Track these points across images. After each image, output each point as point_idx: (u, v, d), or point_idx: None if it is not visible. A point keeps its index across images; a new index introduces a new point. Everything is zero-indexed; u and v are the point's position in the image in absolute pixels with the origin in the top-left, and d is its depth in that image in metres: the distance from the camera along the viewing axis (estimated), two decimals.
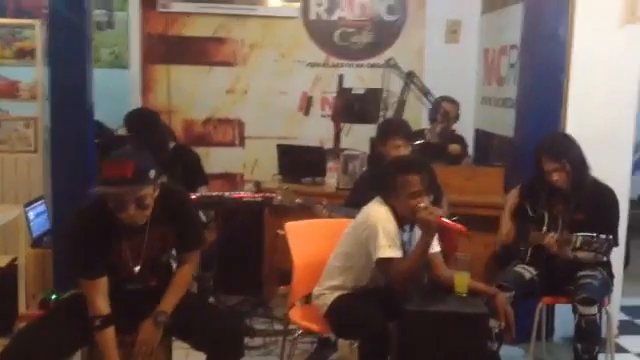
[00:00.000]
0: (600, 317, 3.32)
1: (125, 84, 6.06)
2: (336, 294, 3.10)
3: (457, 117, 5.22)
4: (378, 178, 3.70)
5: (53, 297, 3.36)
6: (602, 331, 3.40)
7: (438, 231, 2.96)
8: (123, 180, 2.57)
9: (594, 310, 3.28)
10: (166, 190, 2.82)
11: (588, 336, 3.31)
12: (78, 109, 4.09)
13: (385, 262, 2.92)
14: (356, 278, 3.10)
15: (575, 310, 3.32)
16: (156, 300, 2.82)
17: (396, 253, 2.92)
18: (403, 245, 3.02)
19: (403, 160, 3.32)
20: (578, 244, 3.30)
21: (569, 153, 3.50)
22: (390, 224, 2.97)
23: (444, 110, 4.80)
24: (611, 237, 3.29)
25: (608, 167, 3.70)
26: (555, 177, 3.48)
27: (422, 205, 2.90)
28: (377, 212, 3.02)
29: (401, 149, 3.81)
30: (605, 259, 3.44)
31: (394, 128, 3.97)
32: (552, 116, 4.07)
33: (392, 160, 3.42)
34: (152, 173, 2.67)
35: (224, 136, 6.06)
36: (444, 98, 5.05)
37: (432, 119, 5.10)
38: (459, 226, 2.95)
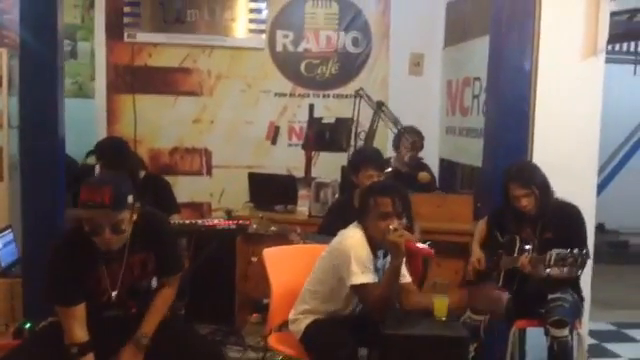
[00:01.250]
0: (572, 339, 3.39)
1: (89, 114, 6.02)
2: (310, 319, 3.12)
3: (422, 147, 5.31)
4: (350, 206, 3.77)
5: (27, 326, 3.29)
6: (574, 353, 3.47)
7: (406, 254, 2.98)
8: (101, 205, 2.56)
9: (566, 332, 3.34)
10: (146, 214, 2.82)
11: (561, 358, 3.38)
12: (49, 139, 4.02)
13: (360, 288, 2.95)
14: (329, 302, 3.12)
15: (547, 333, 3.38)
16: (136, 327, 2.80)
17: (369, 278, 2.95)
18: (377, 272, 3.05)
19: (378, 183, 3.39)
20: (552, 261, 3.35)
21: (536, 178, 3.62)
22: (363, 250, 3.00)
23: (412, 140, 4.90)
24: (584, 251, 3.37)
25: (574, 195, 3.78)
26: (524, 202, 3.58)
27: (391, 227, 2.93)
28: (350, 238, 3.04)
29: (374, 179, 3.84)
30: (580, 273, 3.51)
31: (366, 158, 4.02)
32: (519, 146, 4.15)
33: (369, 184, 3.46)
34: (130, 198, 2.67)
35: (191, 165, 6.06)
36: (407, 130, 5.11)
37: (396, 147, 5.18)
38: (426, 249, 3.00)
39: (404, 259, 2.99)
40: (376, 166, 3.91)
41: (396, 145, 5.18)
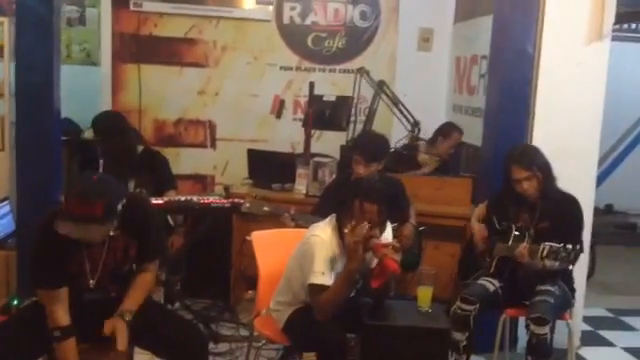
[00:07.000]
0: (551, 336, 3.37)
1: (96, 82, 6.00)
2: (291, 309, 3.11)
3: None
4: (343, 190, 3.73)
5: (15, 302, 3.32)
6: (554, 345, 3.43)
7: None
8: (92, 218, 2.48)
9: (545, 330, 3.32)
10: (131, 200, 2.77)
11: (538, 351, 3.37)
12: (44, 108, 4.00)
13: (314, 288, 2.92)
14: (306, 295, 3.06)
15: (528, 327, 3.38)
16: (115, 310, 2.78)
17: (327, 281, 2.91)
18: None
19: (368, 185, 3.08)
20: (545, 253, 3.33)
21: (538, 161, 3.58)
22: (328, 250, 2.95)
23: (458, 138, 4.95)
24: (578, 247, 3.33)
25: (574, 177, 3.78)
26: (526, 186, 3.54)
27: (346, 230, 2.86)
28: (318, 236, 2.99)
29: (360, 166, 3.81)
30: (571, 267, 3.49)
31: (359, 143, 4.01)
32: (519, 128, 4.12)
33: (360, 181, 3.35)
34: (119, 205, 2.61)
35: (195, 137, 6.03)
36: (454, 127, 5.15)
37: (434, 141, 5.14)
38: (393, 265, 2.83)
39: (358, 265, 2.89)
40: (361, 153, 3.84)
41: (444, 135, 5.13)
